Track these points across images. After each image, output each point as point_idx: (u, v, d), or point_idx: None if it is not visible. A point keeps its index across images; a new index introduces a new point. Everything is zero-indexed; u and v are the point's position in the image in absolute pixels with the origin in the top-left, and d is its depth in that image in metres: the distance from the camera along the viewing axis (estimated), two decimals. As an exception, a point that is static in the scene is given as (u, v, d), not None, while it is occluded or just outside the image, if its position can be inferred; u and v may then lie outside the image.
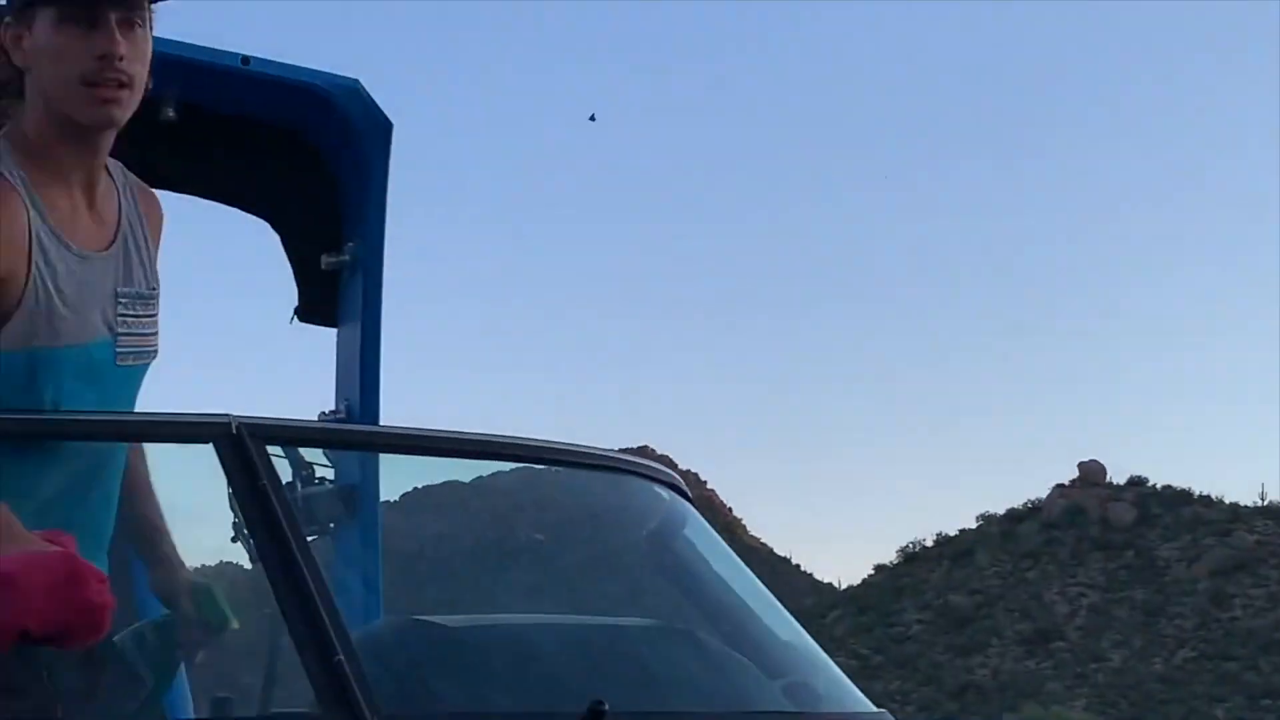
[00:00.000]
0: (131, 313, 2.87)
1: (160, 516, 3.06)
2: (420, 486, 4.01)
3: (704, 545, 3.19)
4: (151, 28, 2.84)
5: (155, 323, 2.94)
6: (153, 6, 2.83)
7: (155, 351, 2.95)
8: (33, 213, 2.75)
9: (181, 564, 3.01)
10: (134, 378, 2.91)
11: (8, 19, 2.78)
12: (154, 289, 2.95)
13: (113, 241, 2.89)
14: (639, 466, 3.11)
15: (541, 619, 2.97)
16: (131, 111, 2.80)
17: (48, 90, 2.76)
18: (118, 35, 2.72)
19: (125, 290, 2.87)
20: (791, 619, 3.11)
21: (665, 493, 3.12)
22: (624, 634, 2.85)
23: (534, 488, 3.55)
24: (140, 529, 3.03)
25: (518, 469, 3.30)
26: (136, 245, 2.94)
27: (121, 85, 2.74)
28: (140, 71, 2.78)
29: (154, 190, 3.55)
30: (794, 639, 3.08)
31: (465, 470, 3.28)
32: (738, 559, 3.17)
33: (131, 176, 3.05)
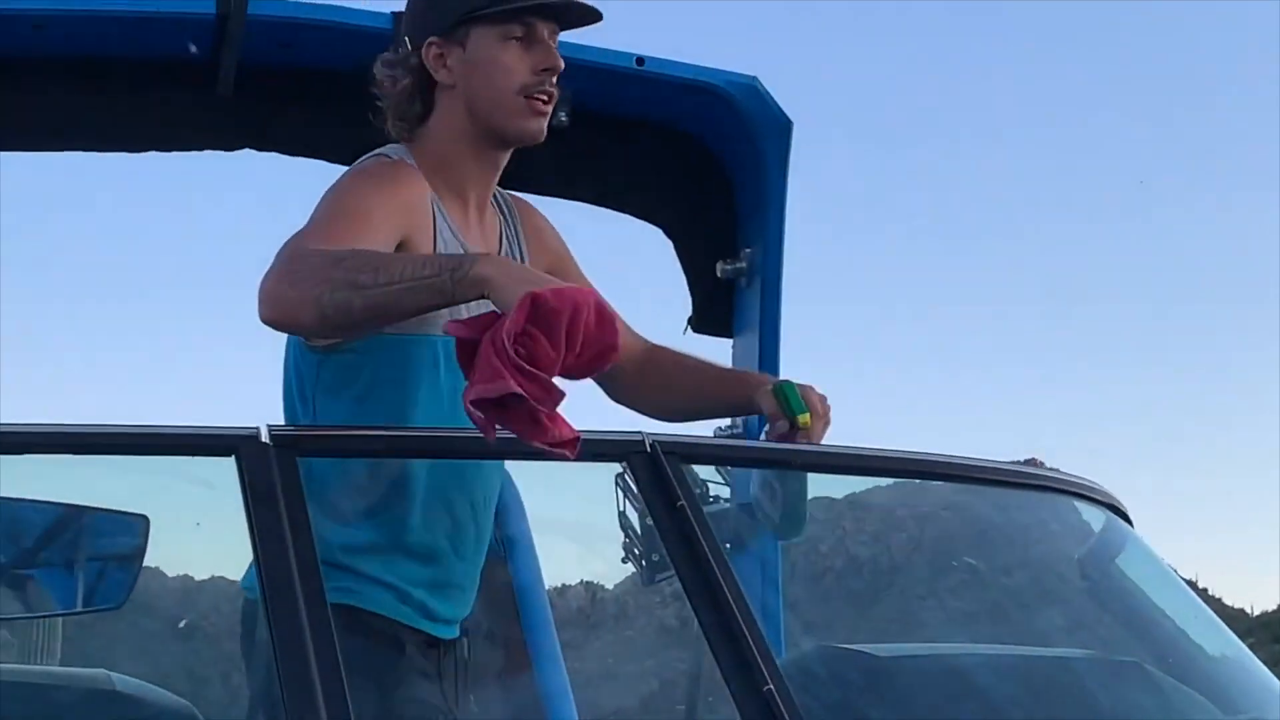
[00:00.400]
0: None
1: (697, 358, 3.33)
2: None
3: (1144, 569, 3.10)
4: None
5: None
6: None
7: None
8: (436, 205, 2.93)
9: (745, 371, 3.29)
10: None
11: (433, 38, 2.93)
12: None
13: (498, 253, 3.05)
14: (1073, 485, 3.03)
15: (975, 650, 2.93)
16: None
17: (480, 103, 2.92)
18: (555, 49, 2.92)
19: None
20: (1247, 650, 3.00)
21: (1102, 512, 3.04)
22: (1066, 666, 2.79)
23: (912, 503, 3.51)
24: (697, 373, 3.25)
25: (895, 484, 3.27)
26: (518, 259, 3.11)
27: (550, 99, 2.93)
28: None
29: (545, 197, 3.72)
30: (1248, 672, 2.97)
31: (837, 486, 3.27)
32: (1183, 584, 3.07)
33: (507, 195, 3.21)
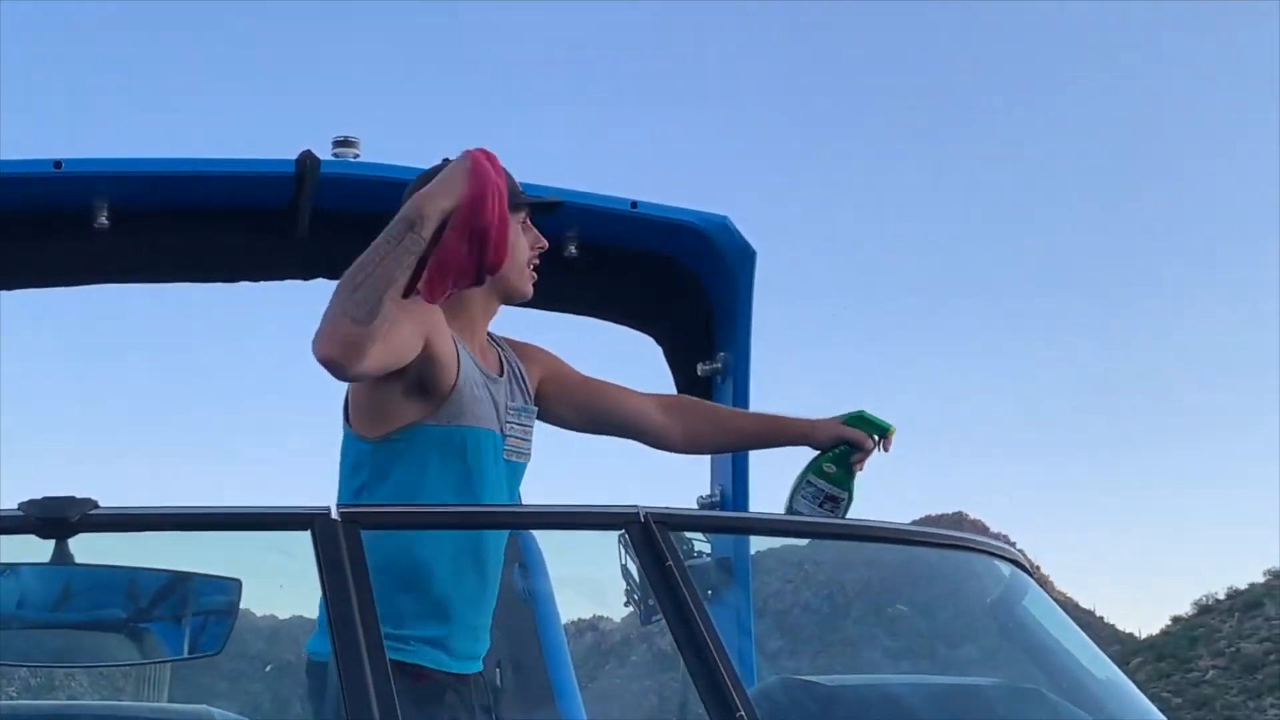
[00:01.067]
0: (516, 421, 3.16)
1: (760, 416, 3.45)
2: (760, 550, 4.01)
3: (1042, 612, 3.11)
4: None
5: (531, 433, 3.21)
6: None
7: (529, 455, 3.20)
8: (457, 338, 3.05)
9: (803, 419, 3.25)
10: (516, 472, 3.16)
11: None
12: (532, 408, 3.22)
13: (501, 373, 3.19)
14: (984, 545, 3.06)
15: (906, 679, 2.92)
16: None
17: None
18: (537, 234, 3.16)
19: (513, 404, 3.17)
20: (1123, 676, 3.00)
21: (1007, 567, 3.06)
22: (981, 693, 2.79)
23: (855, 559, 3.51)
24: (765, 430, 3.35)
25: (841, 544, 3.28)
26: (517, 377, 3.24)
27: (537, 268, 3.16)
28: None
29: (560, 313, 3.81)
30: (1126, 695, 2.97)
31: (794, 546, 3.28)
32: (1073, 623, 3.08)
33: (498, 336, 3.32)
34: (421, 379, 2.91)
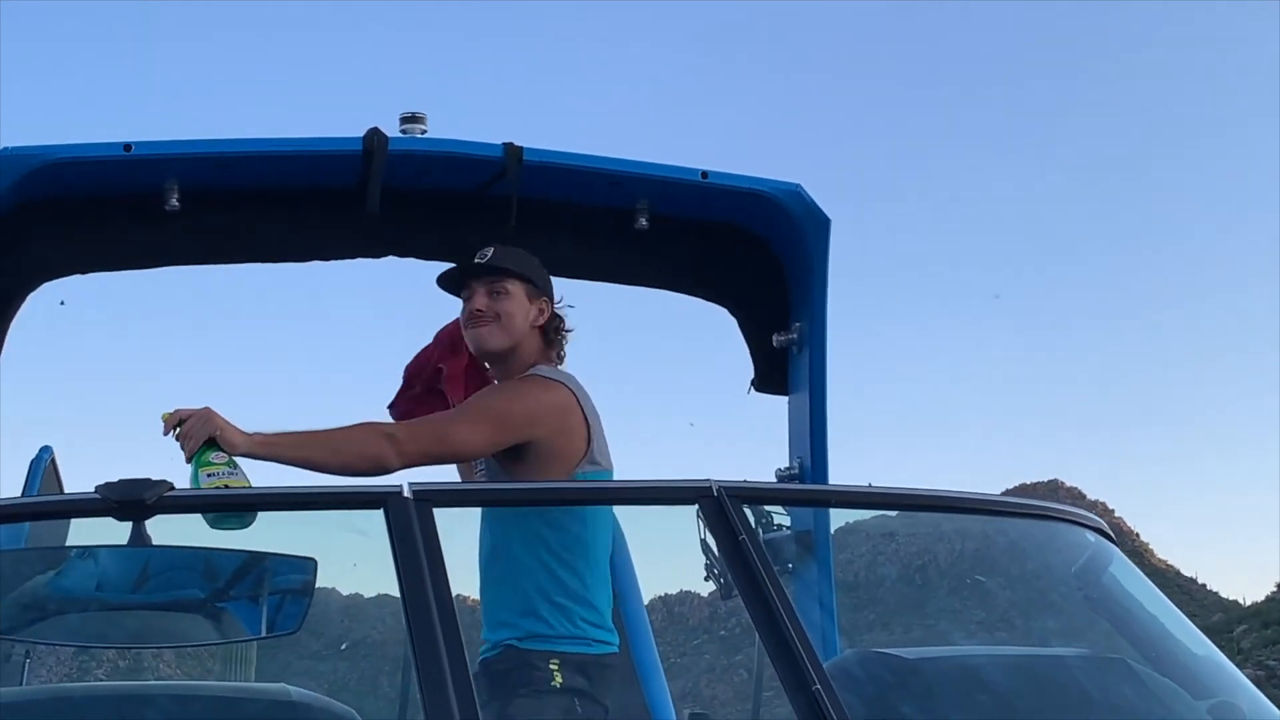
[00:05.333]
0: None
1: None
2: (850, 522, 4.01)
3: (1128, 580, 3.10)
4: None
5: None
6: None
7: None
8: None
9: None
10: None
11: None
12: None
13: None
14: (1067, 514, 3.05)
15: (987, 650, 2.93)
16: (501, 343, 3.51)
17: None
18: (480, 294, 3.52)
19: None
20: (1210, 644, 2.99)
21: (1091, 535, 3.05)
22: (1063, 663, 2.79)
23: (955, 519, 3.50)
24: None
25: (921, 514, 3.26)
26: None
27: (486, 323, 3.50)
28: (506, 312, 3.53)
29: (630, 286, 3.87)
30: (1214, 662, 2.96)
31: (871, 518, 3.28)
32: (1158, 591, 3.07)
33: None
34: None
